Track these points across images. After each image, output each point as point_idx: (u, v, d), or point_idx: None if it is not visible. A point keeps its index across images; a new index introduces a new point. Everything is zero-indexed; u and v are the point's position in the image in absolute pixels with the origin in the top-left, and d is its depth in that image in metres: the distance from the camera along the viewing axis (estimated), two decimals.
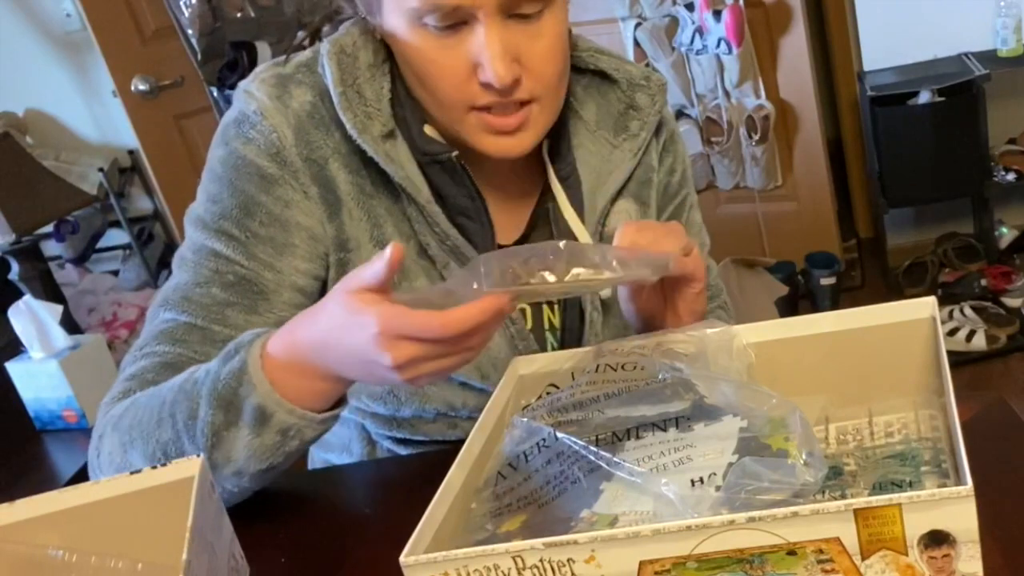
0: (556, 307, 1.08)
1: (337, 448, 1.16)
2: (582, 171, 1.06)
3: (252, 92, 0.99)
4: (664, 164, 1.13)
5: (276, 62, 1.03)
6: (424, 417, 1.07)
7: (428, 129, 1.00)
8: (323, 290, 1.02)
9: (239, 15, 3.02)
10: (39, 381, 1.89)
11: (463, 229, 1.01)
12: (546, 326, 1.08)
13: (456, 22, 0.89)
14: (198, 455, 0.83)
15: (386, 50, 1.00)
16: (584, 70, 1.08)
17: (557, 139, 1.04)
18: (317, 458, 1.22)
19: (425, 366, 0.77)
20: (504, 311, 0.76)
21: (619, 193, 1.08)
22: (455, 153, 0.99)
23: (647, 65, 3.20)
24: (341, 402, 0.90)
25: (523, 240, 1.08)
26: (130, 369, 0.98)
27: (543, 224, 1.08)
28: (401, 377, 0.78)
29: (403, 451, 1.11)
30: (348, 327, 0.79)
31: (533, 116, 0.95)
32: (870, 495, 0.69)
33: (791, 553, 0.61)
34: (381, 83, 0.99)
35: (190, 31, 2.95)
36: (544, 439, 0.78)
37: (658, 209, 1.13)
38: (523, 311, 1.06)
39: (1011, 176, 2.94)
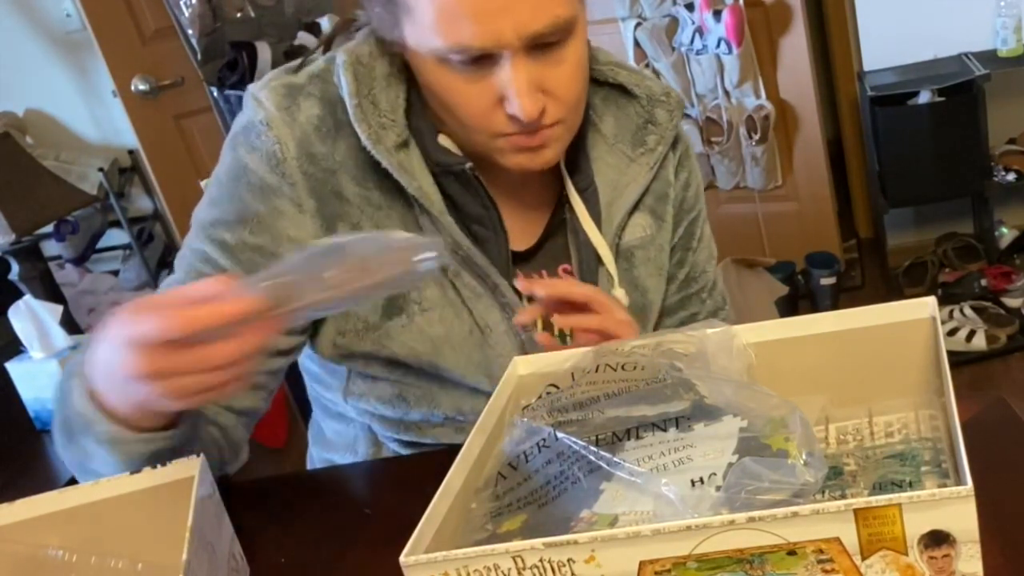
0: None
1: (341, 448, 1.16)
2: (599, 183, 1.07)
3: (261, 100, 0.99)
4: (680, 178, 1.13)
5: (289, 68, 1.03)
6: (432, 421, 1.07)
7: (443, 139, 1.00)
8: None
9: (239, 15, 3.01)
10: (39, 381, 1.89)
11: (477, 237, 1.02)
12: (556, 333, 1.08)
13: (481, 59, 0.89)
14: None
15: (403, 59, 1.00)
16: (602, 82, 1.08)
17: (575, 151, 1.05)
18: (318, 458, 1.22)
19: (179, 380, 0.73)
20: (260, 322, 0.72)
21: (636, 206, 1.08)
22: (469, 165, 0.99)
23: (647, 65, 3.20)
24: (176, 423, 0.87)
25: (537, 248, 1.08)
26: None
27: (559, 233, 1.08)
28: (156, 390, 0.73)
29: (409, 453, 1.11)
30: (104, 341, 0.77)
31: (556, 134, 0.96)
32: (870, 495, 0.69)
33: (791, 553, 0.61)
34: (397, 92, 0.99)
35: (190, 31, 2.95)
36: (544, 439, 0.77)
37: (674, 223, 1.14)
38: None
39: (1011, 176, 2.94)
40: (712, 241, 1.21)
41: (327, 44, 1.08)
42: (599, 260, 1.06)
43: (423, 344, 1.02)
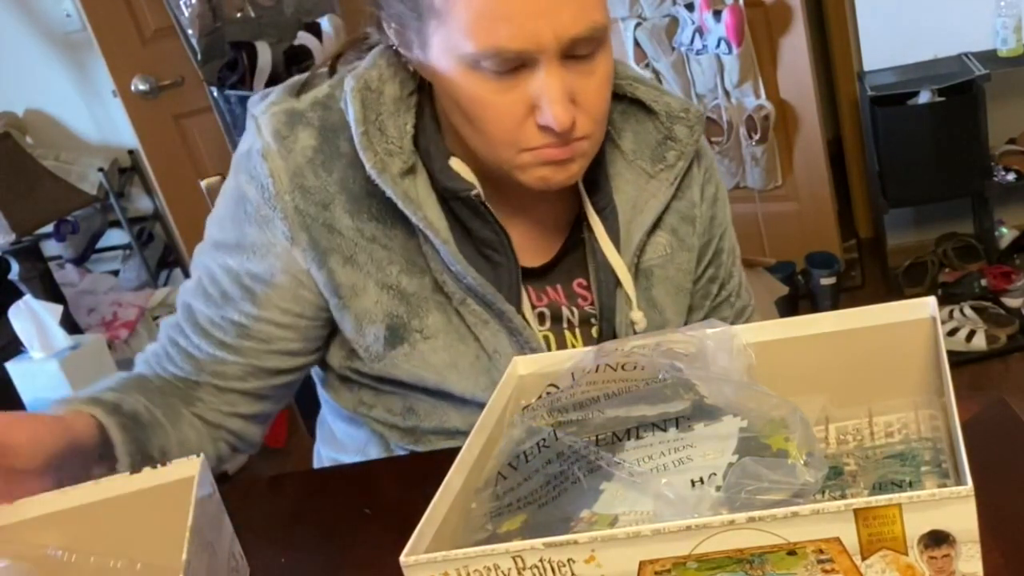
0: (578, 332, 1.07)
1: (352, 450, 1.15)
2: (618, 200, 1.05)
3: (261, 128, 0.99)
4: (707, 194, 1.12)
5: (292, 88, 1.02)
6: (443, 434, 1.07)
7: (454, 162, 0.99)
8: (323, 330, 1.05)
9: (239, 15, 3.01)
10: (39, 381, 1.90)
11: (488, 259, 1.01)
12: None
13: (514, 66, 0.88)
14: None
15: (414, 82, 0.99)
16: (621, 97, 1.07)
17: (594, 167, 1.03)
18: (326, 457, 1.22)
19: None
20: None
21: (656, 225, 1.07)
22: (475, 192, 0.98)
23: (647, 66, 3.20)
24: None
25: (552, 265, 1.06)
26: (168, 337, 1.07)
27: (576, 252, 1.07)
28: None
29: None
30: None
31: (583, 149, 0.94)
32: (870, 495, 0.69)
33: (791, 553, 0.61)
34: (405, 118, 0.98)
35: (190, 31, 2.95)
36: (544, 439, 0.77)
37: (704, 240, 1.12)
38: (547, 338, 1.05)
39: (1011, 176, 2.94)
40: (735, 239, 1.20)
41: (334, 61, 1.07)
42: (618, 282, 1.05)
43: (428, 370, 1.02)
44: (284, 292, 1.00)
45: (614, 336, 1.06)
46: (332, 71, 1.06)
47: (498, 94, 0.89)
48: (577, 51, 0.89)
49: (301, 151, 0.97)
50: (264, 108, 1.00)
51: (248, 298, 1.00)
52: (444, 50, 0.90)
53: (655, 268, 1.08)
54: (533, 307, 1.05)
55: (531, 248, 1.05)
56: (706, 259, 1.14)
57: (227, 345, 1.01)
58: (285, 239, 0.98)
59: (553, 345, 1.06)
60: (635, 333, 1.06)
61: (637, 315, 1.05)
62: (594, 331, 1.07)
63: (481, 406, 1.02)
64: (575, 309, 1.07)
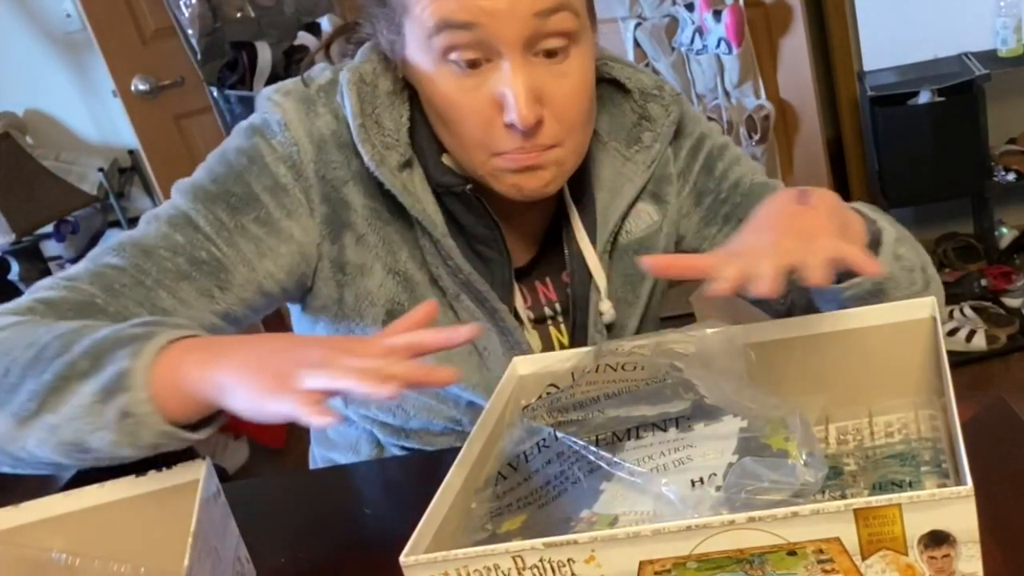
0: (564, 328, 1.07)
1: (344, 447, 1.15)
2: (595, 187, 1.05)
3: (278, 101, 0.98)
4: (685, 145, 1.09)
5: (297, 82, 1.02)
6: (431, 430, 1.07)
7: (446, 158, 0.99)
8: (301, 300, 1.03)
9: (239, 15, 3.02)
10: None
11: (481, 256, 1.01)
12: (556, 348, 1.07)
13: (479, 58, 0.88)
14: (30, 397, 0.77)
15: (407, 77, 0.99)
16: (597, 79, 1.05)
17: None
18: (320, 456, 1.22)
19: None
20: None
21: (635, 200, 1.06)
22: (469, 187, 0.97)
23: (647, 65, 3.20)
24: (201, 425, 0.80)
25: (535, 262, 1.06)
26: (46, 294, 0.89)
27: (555, 244, 1.06)
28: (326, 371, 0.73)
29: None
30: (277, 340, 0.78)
31: (555, 158, 0.93)
32: (870, 495, 0.69)
33: (791, 553, 0.61)
34: (400, 111, 0.98)
35: (190, 31, 2.95)
36: (544, 439, 0.78)
37: (698, 168, 1.09)
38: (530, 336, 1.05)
39: (1011, 176, 2.94)
40: (749, 159, 1.12)
41: (327, 47, 1.07)
42: (591, 272, 1.05)
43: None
44: (281, 262, 0.96)
45: (584, 327, 1.06)
46: (328, 60, 1.06)
47: (465, 92, 0.90)
48: (544, 45, 0.88)
49: (324, 124, 0.97)
50: (276, 89, 1.00)
51: (243, 263, 0.94)
52: (415, 47, 0.91)
53: (643, 240, 1.06)
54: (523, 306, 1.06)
55: (518, 246, 1.05)
56: (699, 185, 1.09)
57: (203, 299, 0.94)
58: (303, 208, 0.97)
59: (538, 340, 1.06)
60: (602, 323, 1.05)
61: (605, 305, 1.05)
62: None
63: (469, 404, 1.03)
64: (558, 304, 1.07)
